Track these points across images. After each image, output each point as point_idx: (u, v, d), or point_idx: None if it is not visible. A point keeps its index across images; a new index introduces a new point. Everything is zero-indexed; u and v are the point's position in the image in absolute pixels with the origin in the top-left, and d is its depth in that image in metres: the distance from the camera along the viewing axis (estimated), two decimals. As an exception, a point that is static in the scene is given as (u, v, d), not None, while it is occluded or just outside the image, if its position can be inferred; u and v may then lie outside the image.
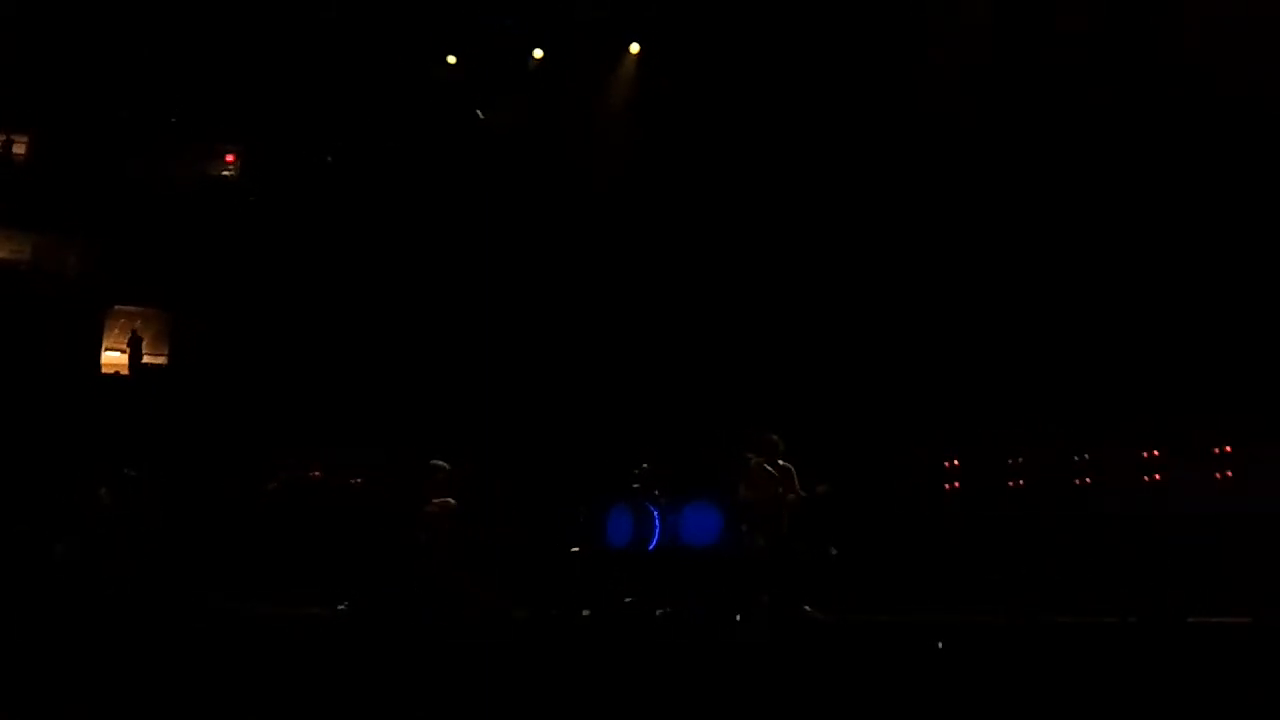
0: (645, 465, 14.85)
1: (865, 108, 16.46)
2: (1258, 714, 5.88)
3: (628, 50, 19.37)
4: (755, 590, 12.53)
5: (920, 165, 15.86)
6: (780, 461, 12.66)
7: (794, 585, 12.30)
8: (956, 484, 14.61)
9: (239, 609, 14.23)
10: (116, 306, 21.13)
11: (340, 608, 14.28)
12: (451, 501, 13.28)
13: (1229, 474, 12.70)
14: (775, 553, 12.45)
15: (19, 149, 20.99)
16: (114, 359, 20.87)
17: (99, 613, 12.76)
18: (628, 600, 14.00)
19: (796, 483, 12.60)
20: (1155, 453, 13.23)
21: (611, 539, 15.01)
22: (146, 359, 21.00)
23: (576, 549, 15.12)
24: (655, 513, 14.74)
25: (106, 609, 13.04)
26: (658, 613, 13.19)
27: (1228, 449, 12.85)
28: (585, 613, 13.55)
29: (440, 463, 13.59)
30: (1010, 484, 14.24)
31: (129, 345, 20.84)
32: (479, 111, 20.20)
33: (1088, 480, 13.60)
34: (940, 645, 7.85)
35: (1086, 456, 13.67)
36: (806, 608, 12.32)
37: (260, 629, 12.72)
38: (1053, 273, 14.34)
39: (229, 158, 21.65)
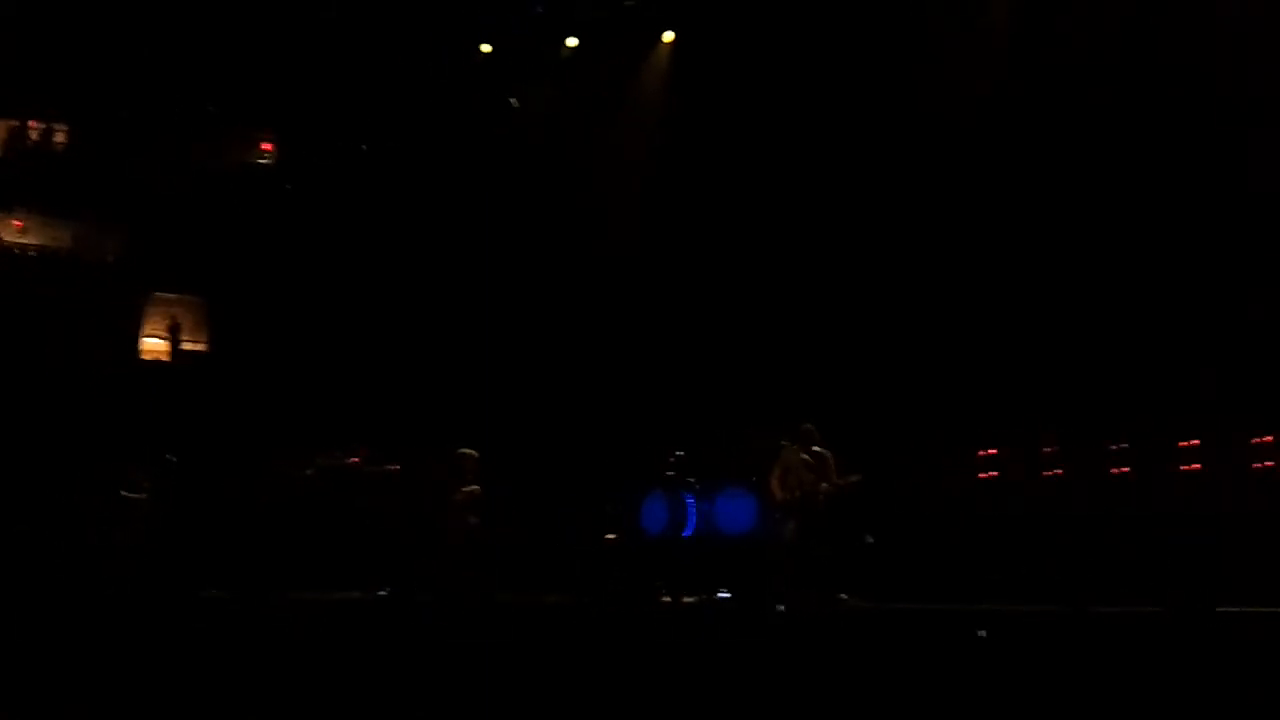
0: (680, 453, 14.94)
1: (903, 99, 16.40)
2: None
3: (660, 39, 19.36)
4: (782, 577, 12.59)
5: (948, 163, 15.81)
6: (816, 449, 12.70)
7: (827, 573, 12.33)
8: (993, 474, 14.58)
9: (272, 595, 14.40)
10: (156, 294, 21.33)
11: (381, 593, 14.45)
12: (477, 489, 13.41)
13: (1268, 464, 12.62)
14: (807, 541, 12.49)
15: (59, 138, 21.20)
16: (154, 346, 21.08)
17: (122, 600, 12.92)
18: (659, 585, 14.12)
19: (833, 472, 12.63)
20: (1194, 442, 13.14)
21: (647, 526, 15.11)
22: (186, 345, 21.20)
23: (611, 536, 15.24)
24: (690, 500, 14.83)
25: (131, 596, 13.21)
26: (686, 600, 13.28)
27: (1268, 439, 12.75)
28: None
29: (469, 451, 13.70)
30: (1045, 474, 14.18)
31: (169, 332, 21.04)
32: (512, 100, 20.24)
33: (1124, 469, 13.53)
34: (982, 634, 7.87)
35: (1125, 445, 13.60)
36: (843, 595, 12.37)
37: (297, 614, 12.86)
38: (1091, 264, 14.27)
39: (266, 146, 21.79)
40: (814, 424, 12.96)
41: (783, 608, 12.28)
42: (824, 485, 12.59)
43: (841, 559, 12.65)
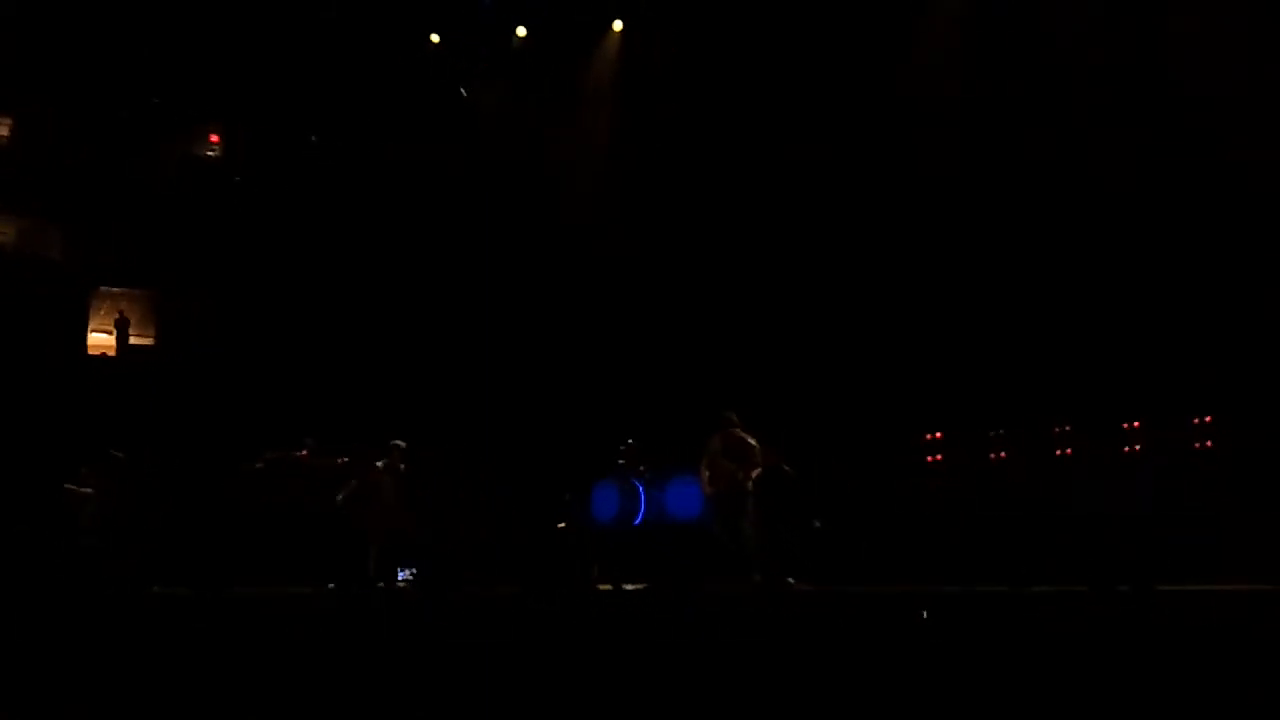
0: (631, 441, 14.94)
1: (852, 96, 16.47)
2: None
3: (610, 28, 19.35)
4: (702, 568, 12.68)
5: (903, 154, 15.90)
6: (739, 434, 12.71)
7: (755, 561, 12.40)
8: (939, 456, 14.70)
9: (221, 591, 14.29)
10: (102, 288, 21.09)
11: (330, 586, 14.39)
12: (390, 474, 13.60)
13: (1208, 444, 12.80)
14: (731, 533, 12.55)
15: (2, 131, 20.91)
16: (101, 340, 20.84)
17: (72, 596, 12.78)
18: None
19: (757, 456, 12.63)
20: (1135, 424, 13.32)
21: (598, 514, 15.11)
22: (133, 340, 20.98)
23: (563, 525, 15.24)
24: (641, 488, 14.84)
25: (81, 592, 13.08)
26: (628, 588, 13.28)
27: (1208, 419, 12.94)
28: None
29: (398, 442, 14.20)
30: (992, 457, 14.33)
31: (115, 326, 20.81)
32: (462, 90, 20.16)
33: (1068, 452, 13.70)
34: (925, 614, 7.92)
35: (1067, 429, 13.77)
36: (790, 580, 12.41)
37: (246, 610, 12.77)
38: (1038, 264, 14.45)
39: (212, 138, 21.59)
40: (749, 410, 12.95)
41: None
42: (741, 475, 12.60)
43: (789, 543, 12.70)
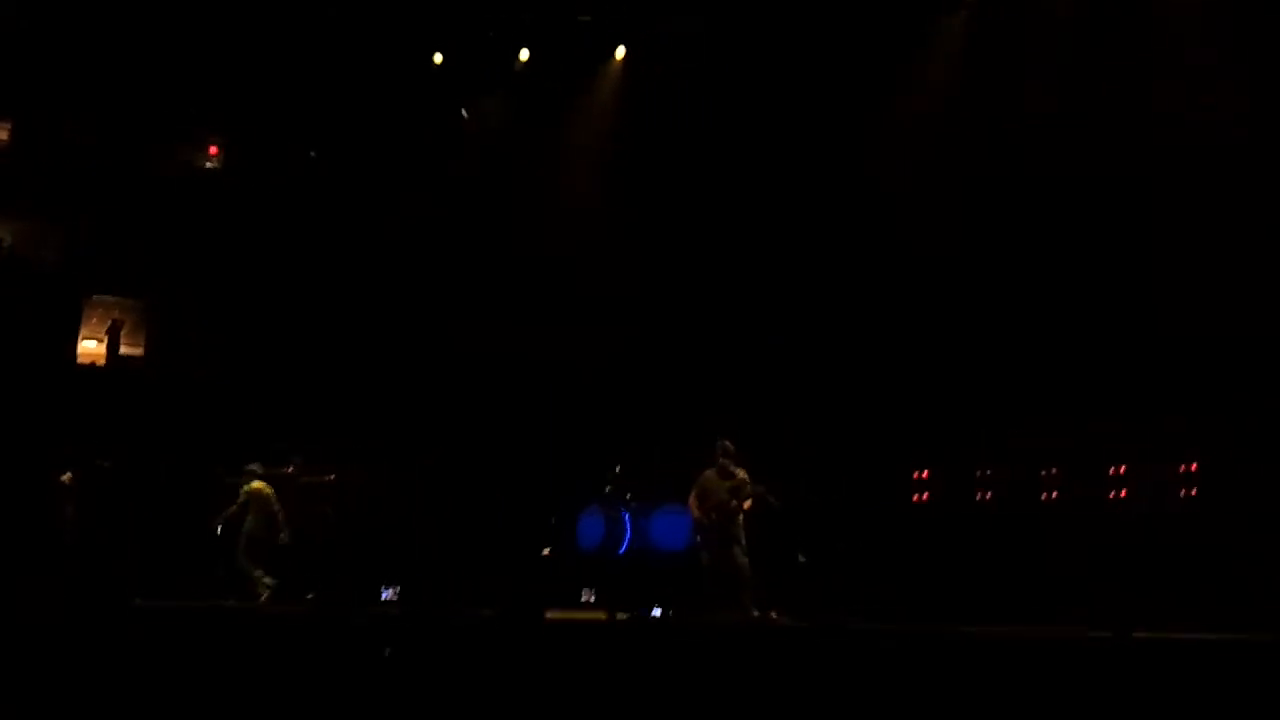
0: (618, 469, 14.98)
1: (849, 127, 16.62)
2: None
3: (614, 55, 19.44)
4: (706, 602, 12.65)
5: (897, 187, 16.03)
6: (731, 468, 12.72)
7: (748, 595, 12.37)
8: (925, 495, 14.72)
9: (200, 603, 14.27)
10: (95, 296, 21.04)
11: (309, 597, 14.40)
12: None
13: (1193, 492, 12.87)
14: (721, 566, 12.53)
15: (1, 135, 20.89)
16: (90, 349, 20.77)
17: (50, 606, 12.75)
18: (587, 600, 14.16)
19: (747, 488, 12.65)
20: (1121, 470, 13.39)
21: (582, 542, 15.13)
22: (123, 349, 20.91)
23: (547, 550, 15.24)
24: (627, 516, 14.86)
25: (59, 602, 13.05)
26: (619, 616, 13.27)
27: (1194, 467, 13.01)
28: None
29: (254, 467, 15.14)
30: (979, 496, 14.36)
31: (107, 334, 20.75)
32: (463, 110, 20.23)
33: (1054, 496, 13.75)
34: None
35: (1054, 471, 13.83)
36: (772, 614, 12.41)
37: (229, 625, 12.73)
38: (1023, 307, 14.61)
39: (213, 150, 21.60)
40: (736, 441, 12.96)
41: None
42: (734, 503, 12.59)
43: (775, 577, 12.71)
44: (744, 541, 12.53)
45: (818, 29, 16.70)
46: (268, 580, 14.66)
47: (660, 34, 18.40)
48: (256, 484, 15.09)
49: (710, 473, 12.80)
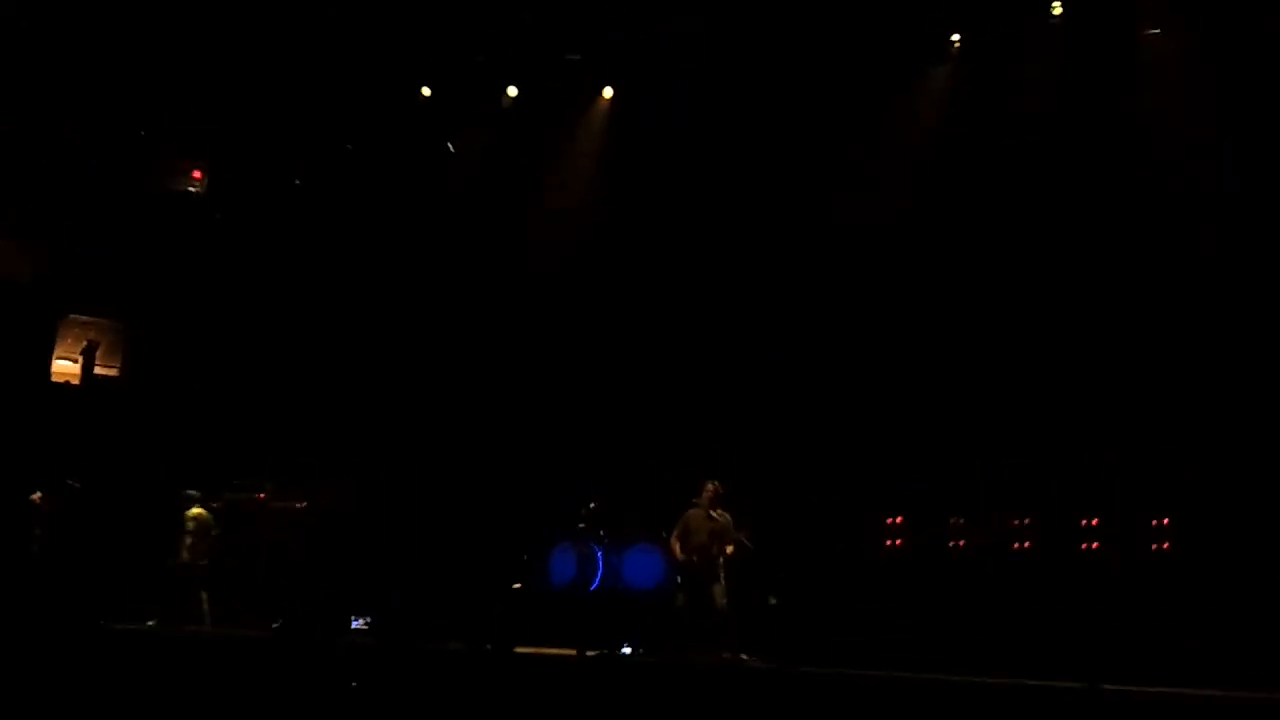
0: (592, 505, 14.95)
1: (833, 174, 16.79)
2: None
3: (601, 94, 19.57)
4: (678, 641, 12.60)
5: (889, 229, 16.19)
6: (714, 512, 12.71)
7: (723, 637, 12.34)
8: (898, 542, 14.75)
9: (166, 629, 14.16)
10: (71, 315, 20.93)
11: (275, 625, 14.31)
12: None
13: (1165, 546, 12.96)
14: (698, 606, 12.50)
15: (-20, 153, 20.80)
16: (65, 368, 20.62)
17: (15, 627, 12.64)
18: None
19: (730, 532, 12.66)
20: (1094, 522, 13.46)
21: (554, 578, 15.06)
22: (98, 370, 20.79)
23: (517, 586, 15.15)
24: (599, 553, 14.81)
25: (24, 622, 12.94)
26: (589, 653, 13.20)
27: (1164, 521, 13.10)
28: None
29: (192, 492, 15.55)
30: (951, 545, 14.40)
31: (82, 354, 20.62)
32: (449, 144, 20.30)
33: (1026, 545, 13.80)
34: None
35: (1026, 521, 13.90)
36: (744, 656, 12.38)
37: (193, 648, 12.61)
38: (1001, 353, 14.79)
39: (196, 174, 21.57)
40: (717, 482, 12.96)
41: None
42: (716, 549, 12.57)
43: (745, 619, 12.68)
44: (724, 582, 12.51)
45: (811, 50, 16.89)
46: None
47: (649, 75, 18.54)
48: (197, 510, 15.43)
49: (695, 512, 12.79)
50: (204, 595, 15.06)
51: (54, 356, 20.48)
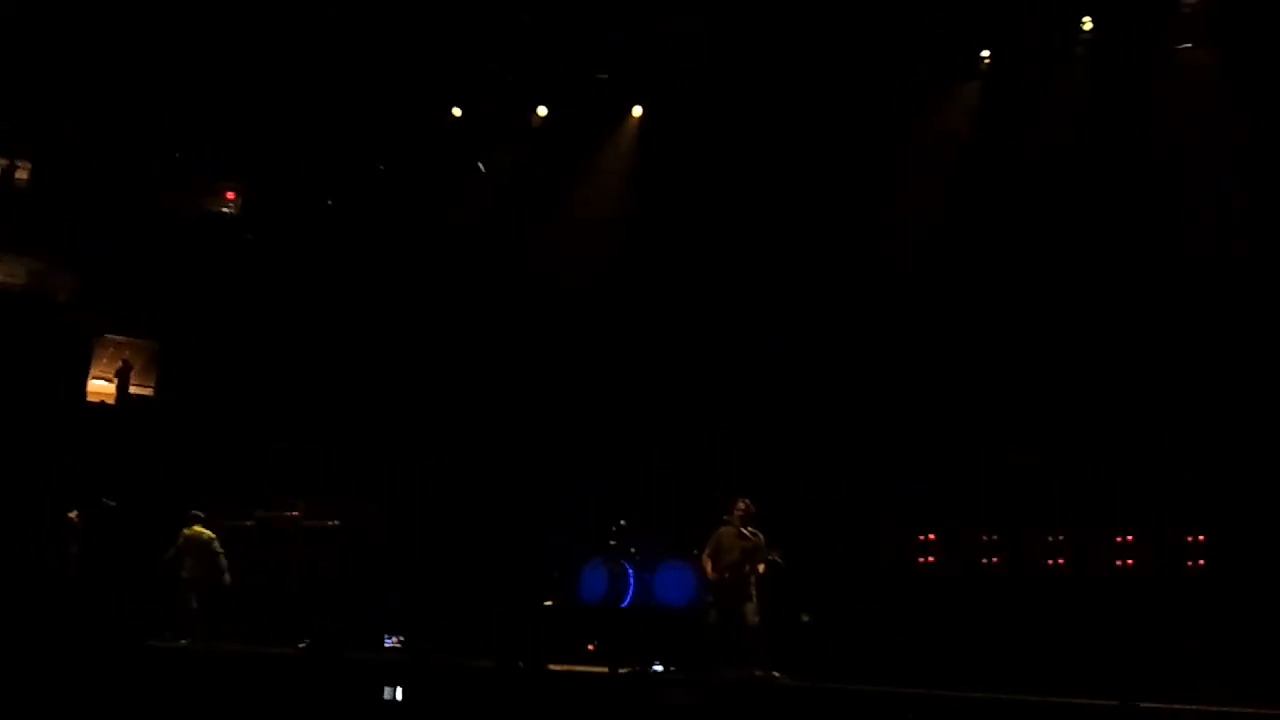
0: (623, 522, 14.95)
1: (864, 192, 16.82)
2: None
3: (630, 113, 19.65)
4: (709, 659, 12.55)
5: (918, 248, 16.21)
6: (746, 530, 12.66)
7: (754, 654, 12.27)
8: (931, 559, 14.67)
9: (198, 646, 14.25)
10: (107, 335, 21.18)
11: (301, 645, 14.36)
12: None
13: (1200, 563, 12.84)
14: (730, 624, 12.44)
15: (21, 174, 21.10)
16: (100, 388, 20.87)
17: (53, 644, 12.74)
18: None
19: (763, 551, 12.60)
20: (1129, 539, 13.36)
21: (585, 595, 15.07)
22: (133, 389, 21.02)
23: (549, 602, 15.17)
24: (630, 570, 14.81)
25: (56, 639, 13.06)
26: (621, 671, 13.18)
27: (1201, 538, 12.98)
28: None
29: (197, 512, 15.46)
30: (984, 562, 14.31)
31: (117, 375, 20.85)
32: (480, 164, 20.42)
33: (1060, 561, 13.70)
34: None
35: (1060, 537, 13.80)
36: (775, 674, 12.33)
37: (222, 666, 12.69)
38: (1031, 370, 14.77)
39: (230, 195, 21.79)
40: (749, 499, 12.91)
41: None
42: (747, 567, 12.52)
43: (772, 639, 12.62)
44: (755, 599, 12.46)
45: (842, 65, 16.95)
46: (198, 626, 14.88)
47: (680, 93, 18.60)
48: (194, 528, 15.32)
49: (727, 529, 12.74)
50: (195, 609, 15.05)
51: (90, 376, 20.73)
